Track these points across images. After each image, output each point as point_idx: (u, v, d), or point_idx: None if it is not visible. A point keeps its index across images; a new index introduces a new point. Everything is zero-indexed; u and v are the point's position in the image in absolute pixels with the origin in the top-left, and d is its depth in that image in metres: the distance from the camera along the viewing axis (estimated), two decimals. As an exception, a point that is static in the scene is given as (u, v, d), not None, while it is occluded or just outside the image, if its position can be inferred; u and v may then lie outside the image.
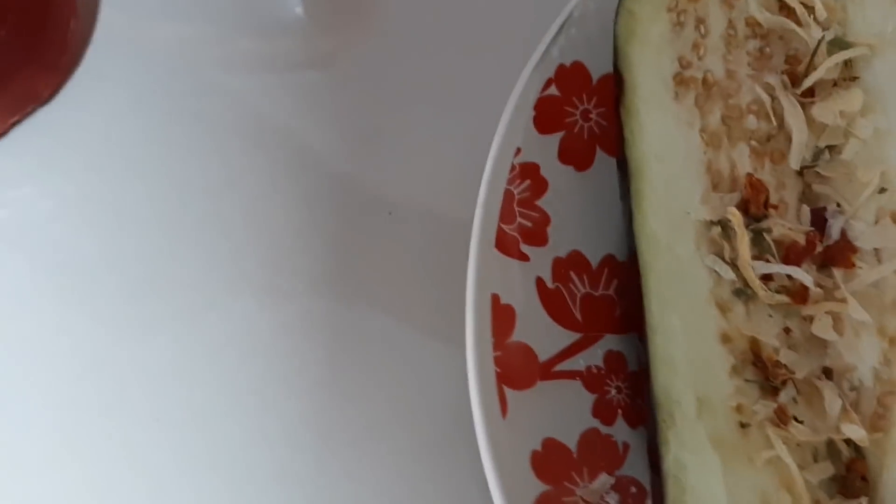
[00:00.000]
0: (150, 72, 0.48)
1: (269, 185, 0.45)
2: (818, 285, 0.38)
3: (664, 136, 0.37)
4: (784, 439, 0.36)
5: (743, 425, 0.35)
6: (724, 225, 0.38)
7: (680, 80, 0.39)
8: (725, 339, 0.37)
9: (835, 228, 0.39)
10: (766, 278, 0.38)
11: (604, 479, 0.38)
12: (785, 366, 0.37)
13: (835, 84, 0.40)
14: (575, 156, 0.42)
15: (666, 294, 0.36)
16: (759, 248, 0.38)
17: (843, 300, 0.37)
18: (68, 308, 0.44)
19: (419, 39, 0.47)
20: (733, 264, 0.37)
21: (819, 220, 0.39)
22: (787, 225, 0.38)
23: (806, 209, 0.39)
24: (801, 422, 0.37)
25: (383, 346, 0.42)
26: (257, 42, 0.48)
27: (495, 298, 0.40)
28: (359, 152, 0.46)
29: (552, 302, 0.40)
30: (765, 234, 0.38)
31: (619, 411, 0.39)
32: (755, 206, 0.38)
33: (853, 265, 0.38)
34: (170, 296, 0.44)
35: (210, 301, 0.43)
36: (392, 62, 0.48)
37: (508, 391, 0.38)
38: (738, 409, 0.36)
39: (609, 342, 0.40)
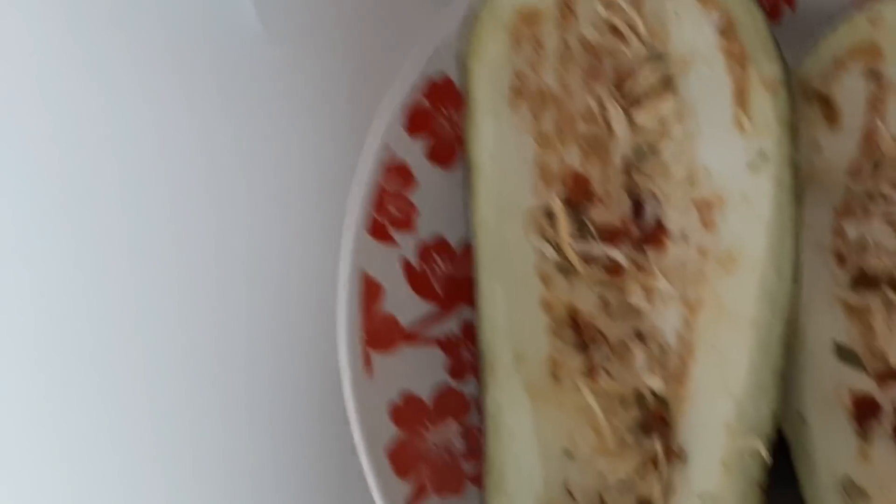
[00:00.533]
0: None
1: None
2: (634, 262, 0.46)
3: (498, 138, 0.45)
4: (593, 390, 0.43)
5: (556, 377, 0.43)
6: (550, 212, 0.45)
7: (517, 92, 0.46)
8: (546, 305, 0.44)
9: (650, 215, 0.46)
10: (590, 257, 0.46)
11: (452, 425, 0.45)
12: (599, 329, 0.44)
13: (655, 94, 0.48)
14: (440, 155, 0.50)
15: (493, 268, 0.43)
16: (582, 231, 0.46)
17: (653, 274, 0.45)
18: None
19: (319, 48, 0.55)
20: (556, 244, 0.45)
21: (638, 209, 0.47)
22: (607, 211, 0.46)
23: (627, 199, 0.47)
24: (611, 376, 0.44)
25: (269, 313, 0.50)
26: (215, 55, 0.56)
27: (366, 276, 0.47)
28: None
29: (416, 279, 0.48)
30: (586, 220, 0.46)
31: (470, 370, 0.47)
32: (577, 196, 0.46)
33: (664, 245, 0.46)
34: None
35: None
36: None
37: (373, 353, 0.46)
38: (553, 363, 0.43)
39: (465, 313, 0.48)
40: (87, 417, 0.50)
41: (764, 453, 0.40)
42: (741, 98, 0.45)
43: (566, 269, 0.45)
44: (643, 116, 0.47)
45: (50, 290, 0.52)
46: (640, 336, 0.45)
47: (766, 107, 0.44)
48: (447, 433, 0.45)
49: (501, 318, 0.42)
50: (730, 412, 0.41)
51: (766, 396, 0.41)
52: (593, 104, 0.47)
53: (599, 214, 0.46)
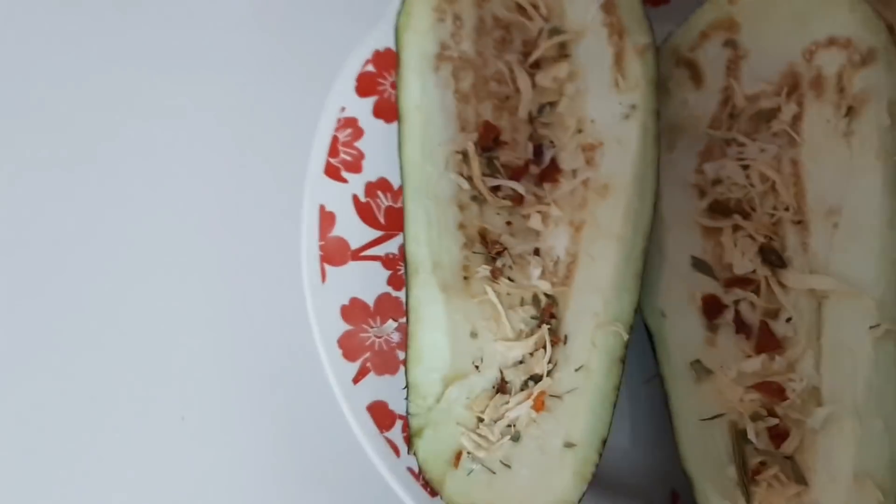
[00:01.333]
0: None
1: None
2: (533, 194, 0.58)
3: (423, 94, 0.57)
4: (496, 290, 0.56)
5: (466, 279, 0.55)
6: (465, 153, 0.58)
7: (440, 58, 0.59)
8: (461, 227, 0.56)
9: (547, 157, 0.59)
10: (498, 190, 0.58)
11: (390, 324, 0.58)
12: (503, 245, 0.57)
13: (553, 60, 0.60)
14: (384, 112, 0.62)
15: (417, 196, 0.55)
16: (492, 170, 0.58)
17: (548, 203, 0.57)
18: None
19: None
20: (470, 179, 0.57)
21: (539, 152, 0.59)
22: (513, 154, 0.58)
23: (530, 145, 0.59)
24: (512, 280, 0.56)
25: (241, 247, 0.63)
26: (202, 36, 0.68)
27: (322, 207, 0.60)
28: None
29: (363, 210, 0.60)
30: (495, 160, 0.58)
31: (405, 282, 0.59)
32: (488, 141, 0.58)
33: (557, 180, 0.58)
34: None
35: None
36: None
37: (328, 266, 0.59)
38: (465, 269, 0.56)
39: (402, 238, 0.60)
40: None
41: (623, 335, 0.52)
42: (619, 62, 0.57)
43: (478, 198, 0.57)
44: (543, 78, 0.59)
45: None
46: (537, 251, 0.57)
47: (637, 69, 0.56)
48: (386, 329, 0.57)
49: (423, 234, 0.54)
50: (598, 304, 0.53)
51: (627, 293, 0.53)
52: (503, 69, 0.59)
53: (506, 156, 0.58)
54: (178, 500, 0.57)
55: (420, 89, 0.56)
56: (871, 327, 0.50)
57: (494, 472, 0.50)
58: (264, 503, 0.57)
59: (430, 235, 0.54)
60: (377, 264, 0.58)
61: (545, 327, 0.53)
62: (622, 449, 0.57)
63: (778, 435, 0.52)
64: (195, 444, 0.59)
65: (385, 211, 0.59)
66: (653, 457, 0.56)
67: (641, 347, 0.55)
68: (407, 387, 0.51)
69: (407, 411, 0.50)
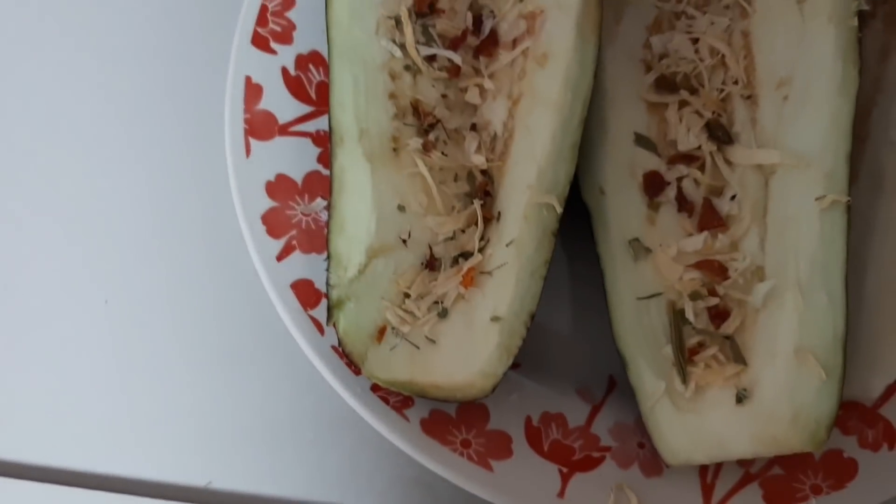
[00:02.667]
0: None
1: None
2: (471, 66, 0.55)
3: (353, -47, 0.53)
4: (428, 163, 0.53)
5: (395, 150, 0.52)
6: (398, 19, 0.54)
7: None
8: (392, 96, 0.53)
9: (486, 27, 0.55)
10: (434, 60, 0.55)
11: (319, 202, 0.55)
12: (437, 117, 0.54)
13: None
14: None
15: (344, 60, 0.52)
16: (427, 38, 0.55)
17: (485, 77, 0.54)
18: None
19: None
20: (403, 46, 0.54)
21: (478, 22, 0.56)
22: (451, 23, 0.55)
23: (469, 14, 0.56)
24: (445, 154, 0.53)
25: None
26: None
27: (248, 79, 0.56)
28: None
29: (293, 84, 0.57)
30: (430, 29, 0.55)
31: (336, 160, 0.56)
32: (424, 8, 0.55)
33: (496, 52, 0.55)
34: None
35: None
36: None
37: (253, 140, 0.55)
38: (394, 140, 0.52)
39: (334, 114, 0.57)
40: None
41: (557, 207, 0.49)
42: (563, -76, 0.53)
43: (411, 68, 0.54)
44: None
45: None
46: (473, 126, 0.54)
47: (583, -68, 0.52)
48: (314, 207, 0.54)
49: (350, 101, 0.51)
50: (533, 176, 0.50)
51: (563, 164, 0.50)
52: (442, -59, 0.55)
53: (443, 25, 0.54)
54: (101, 383, 0.55)
55: (350, -52, 0.52)
56: (816, 199, 0.47)
57: (419, 347, 0.47)
58: (188, 383, 0.55)
59: (357, 102, 0.51)
60: (307, 140, 0.55)
61: (477, 202, 0.50)
62: (560, 336, 0.54)
63: (718, 315, 0.50)
64: (119, 326, 0.56)
65: (317, 86, 0.56)
66: (591, 342, 0.53)
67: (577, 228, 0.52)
68: (328, 257, 0.48)
69: (327, 282, 0.47)
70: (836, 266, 0.46)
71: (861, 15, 0.49)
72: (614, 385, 0.52)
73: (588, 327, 0.53)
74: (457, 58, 0.53)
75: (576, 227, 0.51)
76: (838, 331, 0.46)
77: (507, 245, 0.49)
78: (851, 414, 0.50)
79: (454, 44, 0.54)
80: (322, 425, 0.53)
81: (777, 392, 0.46)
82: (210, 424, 0.54)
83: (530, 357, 0.53)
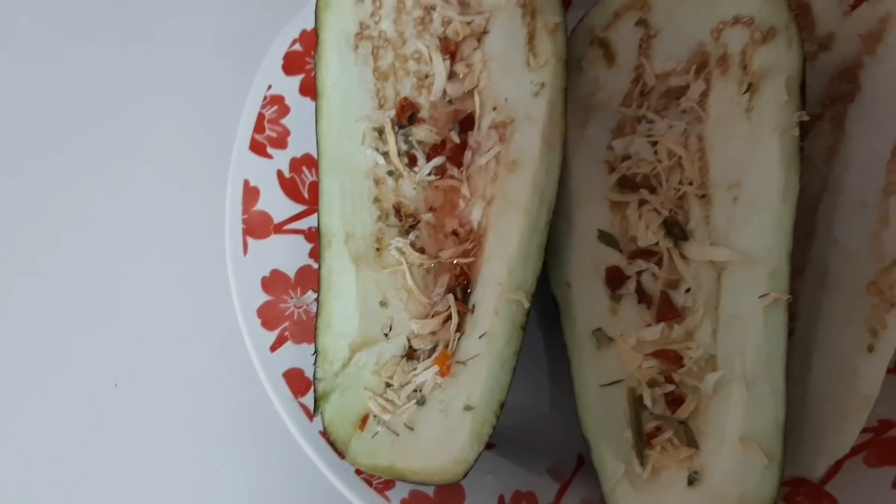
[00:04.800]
0: None
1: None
2: (450, 174, 0.60)
3: (342, 72, 0.59)
4: (409, 262, 0.58)
5: (379, 250, 0.58)
6: (382, 130, 0.60)
7: (360, 37, 0.61)
8: (377, 200, 0.59)
9: (466, 135, 0.61)
10: (415, 164, 0.60)
11: (310, 294, 0.60)
12: (418, 217, 0.59)
13: (471, 42, 0.62)
14: (311, 90, 0.64)
15: (332, 170, 0.57)
16: (409, 146, 0.61)
17: (461, 180, 0.59)
18: None
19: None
20: (386, 154, 0.60)
21: (465, 130, 0.61)
22: (432, 132, 0.60)
23: (450, 122, 0.61)
24: (425, 252, 0.59)
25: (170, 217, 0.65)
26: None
27: (246, 182, 0.62)
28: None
29: (287, 185, 0.63)
30: (410, 138, 0.60)
31: (326, 254, 0.62)
32: (405, 118, 0.60)
33: (474, 156, 0.60)
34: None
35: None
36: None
37: (250, 239, 0.61)
38: (378, 240, 0.58)
39: (324, 212, 0.62)
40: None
41: (525, 303, 0.54)
42: (531, 41, 0.59)
43: (394, 173, 0.59)
44: (458, 67, 0.61)
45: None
46: (459, 223, 0.59)
47: (547, 47, 0.58)
48: (306, 300, 0.59)
49: (337, 206, 0.56)
50: (503, 273, 0.55)
51: (531, 262, 0.55)
52: (423, 48, 0.61)
53: (424, 133, 0.60)
54: (108, 463, 0.60)
55: (338, 67, 0.58)
56: (760, 296, 0.51)
57: (398, 434, 0.52)
58: (187, 464, 0.59)
59: (344, 208, 0.56)
60: (300, 237, 0.60)
61: (451, 297, 0.55)
62: (535, 417, 0.59)
63: (674, 401, 0.54)
64: (126, 408, 0.61)
65: (309, 186, 0.62)
66: (563, 423, 0.57)
67: (552, 318, 0.57)
68: (316, 352, 0.53)
69: (314, 376, 0.52)
70: (778, 359, 0.51)
71: (808, 119, 0.53)
72: (583, 463, 0.57)
73: (561, 409, 0.58)
74: (427, 168, 0.57)
75: (552, 315, 0.55)
76: (779, 419, 0.50)
77: (479, 337, 0.54)
78: (800, 490, 0.54)
79: (435, 150, 0.59)
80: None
81: (725, 476, 0.50)
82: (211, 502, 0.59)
83: (507, 438, 0.58)
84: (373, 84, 0.59)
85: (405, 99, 0.59)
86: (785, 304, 0.51)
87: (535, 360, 0.59)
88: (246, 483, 0.58)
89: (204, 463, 0.59)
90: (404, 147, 0.59)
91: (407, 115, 0.59)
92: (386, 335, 0.54)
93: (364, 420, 0.52)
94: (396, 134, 0.58)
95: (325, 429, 0.52)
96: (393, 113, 0.59)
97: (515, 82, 0.58)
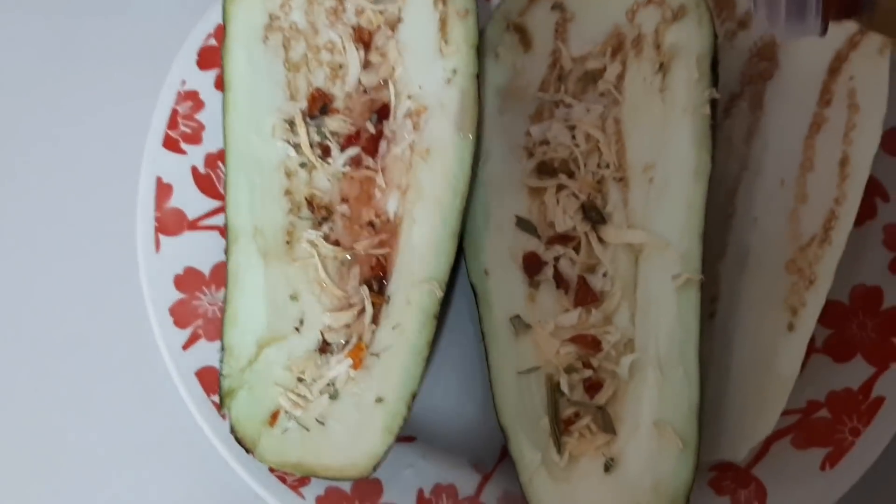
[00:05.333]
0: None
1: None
2: (365, 164, 0.59)
3: (249, 65, 0.58)
4: (322, 255, 0.57)
5: (289, 243, 0.57)
6: (293, 122, 0.59)
7: (270, 29, 0.60)
8: (288, 192, 0.58)
9: (381, 124, 0.60)
10: (329, 155, 0.59)
11: (224, 292, 0.59)
12: (331, 209, 0.58)
13: (385, 31, 0.60)
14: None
15: (239, 164, 0.56)
16: (322, 137, 0.59)
17: (377, 170, 0.58)
18: None
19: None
20: (298, 146, 0.58)
21: (381, 119, 0.60)
22: (346, 122, 0.59)
23: (366, 112, 0.60)
24: (340, 244, 0.57)
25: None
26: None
27: (159, 179, 0.61)
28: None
29: (202, 182, 0.62)
30: (323, 129, 0.59)
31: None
32: (315, 109, 0.59)
33: (389, 146, 0.59)
34: None
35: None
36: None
37: (162, 237, 0.60)
38: (289, 234, 0.57)
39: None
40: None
41: (437, 292, 0.53)
42: (443, 28, 0.58)
43: (307, 165, 0.58)
44: (372, 55, 0.60)
45: None
46: (375, 214, 0.58)
47: (459, 34, 0.57)
48: (220, 297, 0.58)
49: (244, 202, 0.55)
50: (416, 263, 0.54)
51: (444, 252, 0.54)
52: (336, 39, 0.60)
53: (337, 124, 0.59)
54: (23, 472, 0.59)
55: (247, 59, 0.57)
56: (673, 277, 0.51)
57: (309, 430, 0.51)
58: (105, 468, 0.58)
59: (253, 202, 0.55)
60: (215, 234, 0.59)
61: (365, 289, 0.54)
62: (459, 408, 0.58)
63: (593, 386, 0.53)
64: (40, 414, 0.60)
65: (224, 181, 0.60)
66: (485, 415, 0.56)
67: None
68: (222, 349, 0.52)
69: (220, 373, 0.51)
70: (691, 342, 0.50)
71: (718, 97, 0.53)
72: (506, 455, 0.55)
73: (484, 401, 0.57)
74: (341, 158, 0.57)
75: (473, 307, 0.55)
76: (693, 403, 0.49)
77: (392, 328, 0.53)
78: (726, 475, 0.53)
79: (349, 140, 0.58)
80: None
81: (640, 462, 0.49)
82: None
83: (428, 432, 0.57)
84: (283, 76, 0.58)
85: (317, 90, 0.58)
86: (698, 285, 0.50)
87: (459, 353, 0.58)
88: (165, 485, 0.57)
89: (121, 466, 0.58)
90: (317, 138, 0.58)
91: (319, 105, 0.58)
92: (297, 329, 0.53)
93: (275, 416, 0.51)
94: (308, 125, 0.57)
95: (231, 426, 0.50)
96: (304, 104, 0.57)
97: (429, 70, 0.57)
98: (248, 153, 0.55)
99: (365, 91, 0.59)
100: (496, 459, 0.55)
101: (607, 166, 0.56)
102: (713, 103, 0.53)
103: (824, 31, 0.36)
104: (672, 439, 0.48)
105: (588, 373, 0.53)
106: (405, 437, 0.55)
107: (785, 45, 0.57)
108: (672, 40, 0.54)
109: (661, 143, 0.54)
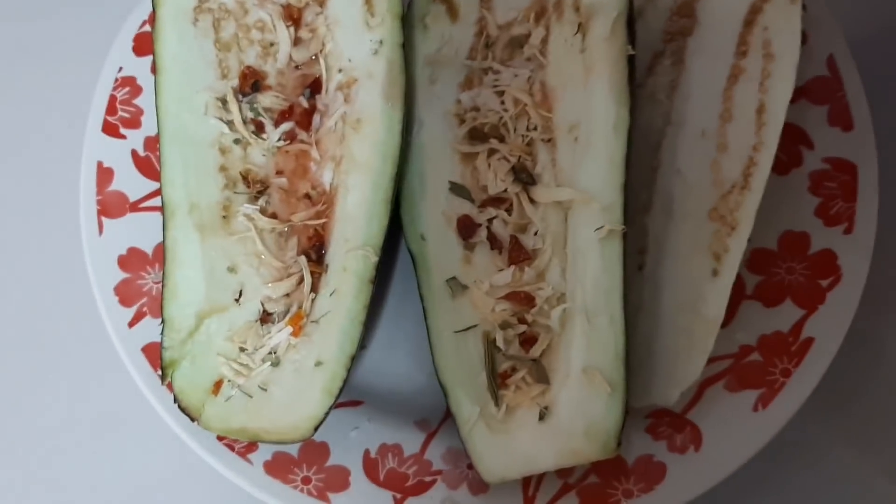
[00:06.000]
0: None
1: None
2: (300, 139, 0.60)
3: (180, 46, 0.59)
4: (259, 227, 0.58)
5: (226, 217, 0.58)
6: (225, 99, 0.60)
7: (199, 10, 0.61)
8: (223, 168, 0.59)
9: (314, 98, 0.61)
10: (263, 130, 0.60)
11: (168, 269, 0.60)
12: (267, 183, 0.59)
13: (313, 10, 0.62)
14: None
15: (172, 143, 0.57)
16: (255, 113, 0.61)
17: (311, 144, 0.59)
18: None
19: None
20: (231, 123, 0.60)
21: (314, 94, 0.61)
22: (279, 98, 0.61)
23: (298, 87, 0.61)
24: (277, 217, 0.59)
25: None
26: None
27: (100, 164, 0.62)
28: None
29: (142, 164, 0.63)
30: (257, 105, 0.61)
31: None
32: (246, 87, 0.60)
33: (322, 119, 0.60)
34: None
35: None
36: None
37: (105, 219, 0.61)
38: (225, 209, 0.58)
39: (182, 188, 0.63)
40: None
41: (371, 257, 0.54)
42: (368, 1, 0.59)
43: (241, 141, 0.59)
44: (304, 32, 0.61)
45: None
46: (312, 186, 0.59)
47: (384, 5, 0.59)
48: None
49: (179, 178, 0.56)
50: (350, 231, 0.55)
51: (377, 218, 0.55)
52: (265, 17, 0.61)
53: (270, 100, 0.60)
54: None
55: (177, 41, 0.58)
56: (596, 229, 0.52)
57: (252, 396, 0.52)
58: (62, 451, 0.59)
59: (187, 178, 0.56)
60: (157, 214, 0.60)
61: (303, 259, 0.55)
62: (400, 373, 0.59)
63: (527, 340, 0.55)
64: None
65: (164, 164, 0.61)
66: (428, 376, 0.58)
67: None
68: (162, 322, 0.53)
69: (161, 345, 0.52)
70: (615, 290, 0.51)
71: (634, 53, 0.54)
72: (449, 413, 0.57)
73: (426, 363, 0.58)
74: (276, 134, 0.58)
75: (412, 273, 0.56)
76: (619, 348, 0.51)
77: (330, 294, 0.54)
78: (662, 420, 0.55)
79: (283, 116, 0.59)
80: (182, 476, 0.58)
81: (571, 408, 0.51)
82: (77, 489, 0.59)
83: (373, 395, 0.58)
84: (215, 55, 0.59)
85: (248, 67, 0.59)
86: (620, 235, 0.52)
87: (407, 318, 0.59)
88: (121, 464, 0.58)
89: (78, 441, 0.59)
90: (250, 115, 0.59)
91: (251, 83, 0.59)
92: (237, 301, 0.54)
93: (218, 385, 0.53)
94: (240, 102, 0.58)
95: (175, 396, 0.52)
96: (236, 82, 0.59)
97: (357, 42, 0.59)
98: (182, 131, 0.57)
99: (297, 67, 0.60)
100: (441, 418, 0.56)
101: (535, 128, 0.58)
102: (631, 59, 0.54)
103: None
104: (600, 384, 0.50)
105: (523, 328, 0.54)
106: (352, 401, 0.57)
107: (702, 1, 0.58)
108: (589, 1, 0.56)
109: (584, 102, 0.56)
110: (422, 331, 0.58)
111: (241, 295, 0.55)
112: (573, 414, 0.51)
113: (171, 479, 0.59)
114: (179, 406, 0.52)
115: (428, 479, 0.54)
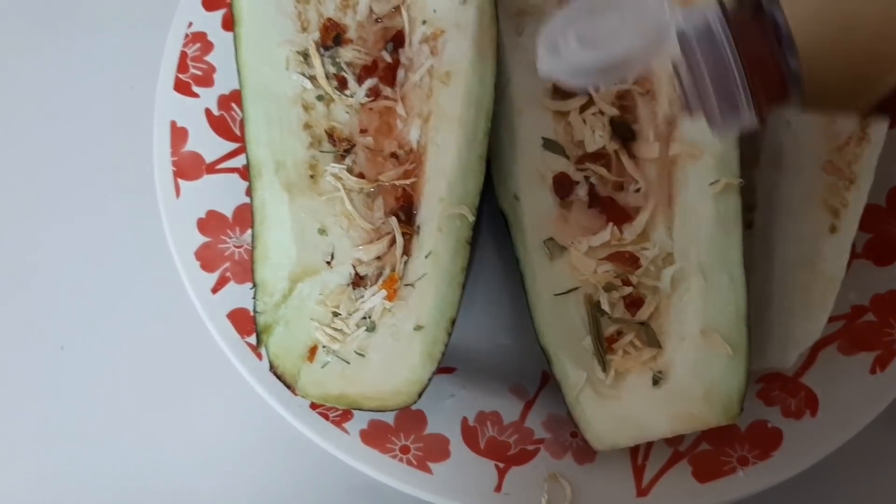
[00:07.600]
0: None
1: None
2: (384, 95, 0.57)
3: (256, -3, 0.56)
4: (348, 188, 0.55)
5: (313, 177, 0.55)
6: (307, 54, 0.57)
7: None
8: (307, 126, 0.56)
9: (398, 52, 0.58)
10: (346, 87, 0.57)
11: (250, 233, 0.57)
12: (353, 141, 0.56)
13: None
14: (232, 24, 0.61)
15: (256, 98, 0.55)
16: (337, 68, 0.58)
17: (396, 100, 0.56)
18: None
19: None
20: (314, 78, 0.57)
21: (391, 48, 0.58)
22: (361, 52, 0.58)
23: (380, 42, 0.58)
24: (364, 176, 0.56)
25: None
26: None
27: (173, 123, 0.59)
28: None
29: (217, 124, 0.60)
30: (339, 60, 0.58)
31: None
32: (328, 40, 0.57)
33: (407, 74, 0.57)
34: None
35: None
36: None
37: (181, 181, 0.58)
38: (311, 167, 0.55)
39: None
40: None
41: (468, 216, 0.52)
42: (455, -49, 0.56)
43: (324, 98, 0.56)
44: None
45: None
46: (398, 145, 0.56)
47: (471, -47, 0.55)
48: (246, 238, 0.57)
49: (263, 136, 0.54)
50: (444, 189, 0.53)
51: (472, 175, 0.52)
52: (344, -26, 0.58)
53: (352, 55, 0.57)
54: (56, 428, 0.58)
55: (254, -8, 0.54)
56: (710, 184, 0.49)
57: (349, 362, 0.50)
58: (141, 419, 0.57)
59: (272, 136, 0.53)
60: (234, 176, 0.58)
61: (393, 219, 0.53)
62: (493, 338, 0.57)
63: (634, 303, 0.52)
64: (74, 372, 0.59)
65: (240, 123, 0.59)
66: (523, 342, 0.55)
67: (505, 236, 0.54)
68: (254, 286, 0.50)
69: (254, 310, 0.50)
70: (734, 247, 0.49)
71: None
72: (547, 380, 0.54)
73: (520, 328, 0.55)
74: (362, 91, 0.55)
75: (506, 233, 0.54)
76: (740, 308, 0.48)
77: (425, 257, 0.51)
78: (774, 385, 0.52)
79: (366, 71, 0.56)
80: (270, 445, 0.56)
81: (688, 371, 0.48)
82: (164, 456, 0.57)
83: (466, 361, 0.56)
84: (293, 7, 0.57)
85: (329, 20, 0.56)
86: (737, 189, 0.49)
87: (492, 281, 0.56)
88: (203, 433, 0.56)
89: (157, 416, 0.57)
90: (332, 70, 0.56)
91: (332, 36, 0.56)
92: (329, 263, 0.52)
93: (313, 351, 0.50)
94: (322, 57, 0.55)
95: (270, 363, 0.49)
96: (317, 35, 0.56)
97: (442, -7, 0.55)
98: (264, 87, 0.54)
99: (377, 20, 0.57)
100: (537, 386, 0.54)
101: (633, 81, 0.54)
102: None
103: (763, 121, 0.35)
104: (720, 345, 0.47)
105: (628, 290, 0.52)
106: (445, 368, 0.54)
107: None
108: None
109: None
110: (505, 295, 0.56)
111: (332, 258, 0.52)
112: (690, 378, 0.48)
113: (255, 448, 0.56)
114: (275, 373, 0.49)
115: (531, 447, 0.52)
